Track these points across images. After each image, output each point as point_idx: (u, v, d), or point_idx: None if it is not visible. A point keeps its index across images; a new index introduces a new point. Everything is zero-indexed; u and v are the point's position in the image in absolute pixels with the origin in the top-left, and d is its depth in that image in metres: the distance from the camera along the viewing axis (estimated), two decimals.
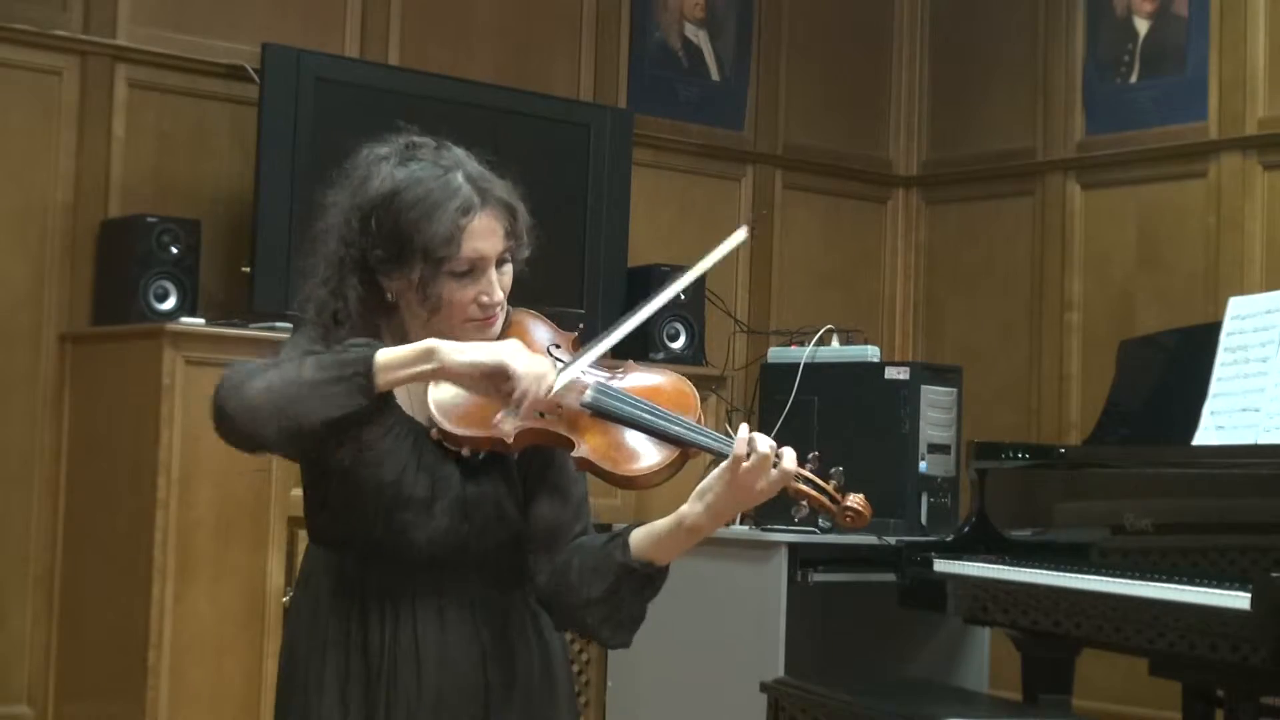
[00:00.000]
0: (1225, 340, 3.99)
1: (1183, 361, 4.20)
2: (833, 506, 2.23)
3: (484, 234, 2.28)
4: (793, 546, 4.68)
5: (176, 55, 5.33)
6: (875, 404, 4.84)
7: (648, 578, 2.26)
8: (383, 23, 5.74)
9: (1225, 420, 3.90)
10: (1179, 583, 3.58)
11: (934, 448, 4.88)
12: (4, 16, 5.06)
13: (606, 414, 2.25)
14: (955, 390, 5.00)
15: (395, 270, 2.29)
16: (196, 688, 4.75)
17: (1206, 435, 3.93)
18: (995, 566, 4.09)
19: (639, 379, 2.31)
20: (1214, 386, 3.96)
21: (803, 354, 5.14)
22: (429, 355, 2.17)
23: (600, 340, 2.30)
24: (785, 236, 6.68)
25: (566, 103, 5.94)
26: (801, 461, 2.24)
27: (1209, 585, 3.50)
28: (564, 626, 2.38)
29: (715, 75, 6.57)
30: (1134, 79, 6.22)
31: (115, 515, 4.87)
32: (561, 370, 2.24)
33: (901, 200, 7.00)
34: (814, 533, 4.80)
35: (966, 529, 4.33)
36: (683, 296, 5.33)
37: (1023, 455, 4.35)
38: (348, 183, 2.34)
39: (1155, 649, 3.69)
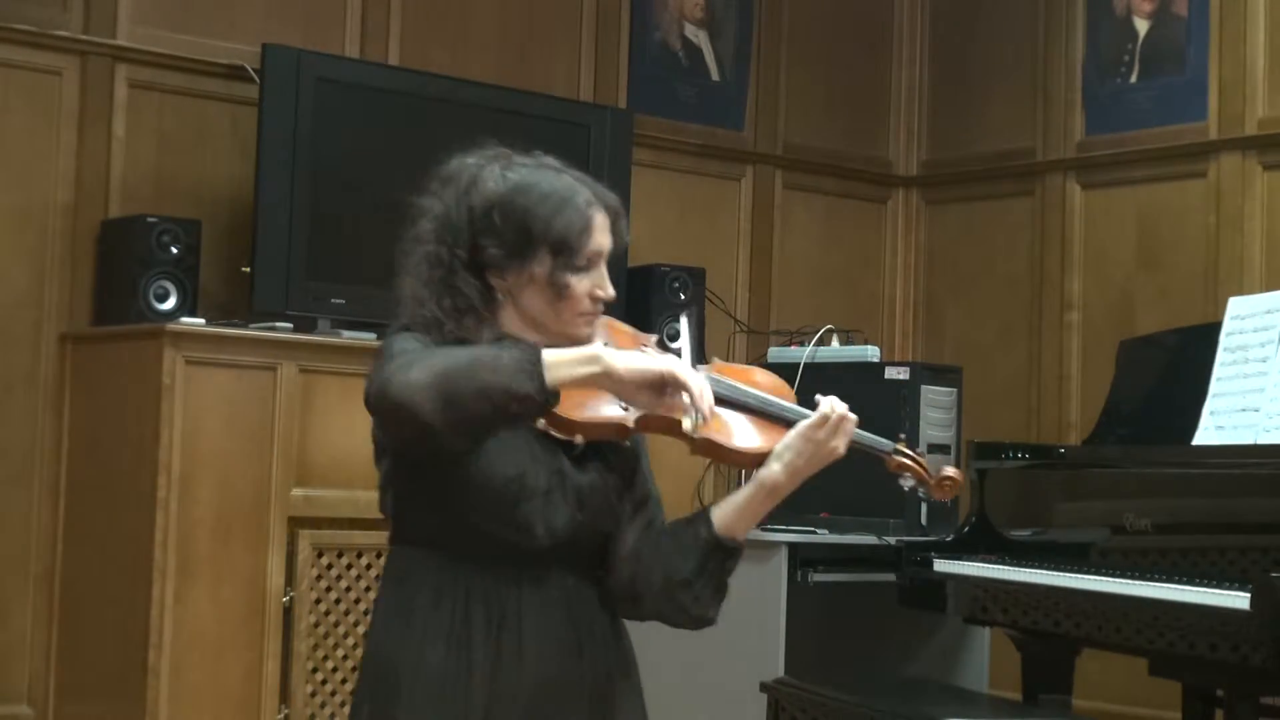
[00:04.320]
0: (1225, 340, 3.99)
1: (1183, 361, 4.20)
2: (930, 478, 2.50)
3: (603, 229, 2.42)
4: (793, 546, 4.68)
5: (176, 55, 5.33)
6: (875, 404, 4.82)
7: (732, 551, 2.41)
8: (383, 23, 5.74)
9: (1225, 420, 3.90)
10: (1179, 583, 3.58)
11: (934, 448, 4.88)
12: (4, 16, 5.06)
13: (721, 395, 2.39)
14: (955, 390, 5.00)
15: (513, 266, 2.38)
16: (196, 688, 4.75)
17: (1206, 435, 3.93)
18: (995, 566, 4.09)
19: (736, 371, 2.51)
20: (1214, 386, 3.96)
21: (803, 354, 5.14)
22: (594, 360, 2.25)
23: (691, 335, 2.52)
24: (785, 236, 6.68)
25: (566, 103, 5.94)
26: (894, 441, 2.51)
27: (1209, 585, 3.51)
28: (649, 613, 2.47)
29: (715, 75, 6.56)
30: (1134, 79, 6.22)
31: (115, 515, 4.87)
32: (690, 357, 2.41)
33: (901, 200, 7.00)
34: (813, 533, 4.80)
35: (966, 529, 4.33)
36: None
37: (1023, 455, 4.36)
38: (450, 187, 2.43)
39: (1155, 649, 3.69)
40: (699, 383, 2.30)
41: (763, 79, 6.66)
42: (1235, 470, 3.74)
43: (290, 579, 4.89)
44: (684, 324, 2.53)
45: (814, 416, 2.40)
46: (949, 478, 2.51)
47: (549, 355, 2.23)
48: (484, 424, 2.24)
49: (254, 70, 5.26)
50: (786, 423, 2.43)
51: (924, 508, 4.82)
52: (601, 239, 2.41)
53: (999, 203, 6.66)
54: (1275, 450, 3.71)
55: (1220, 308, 4.15)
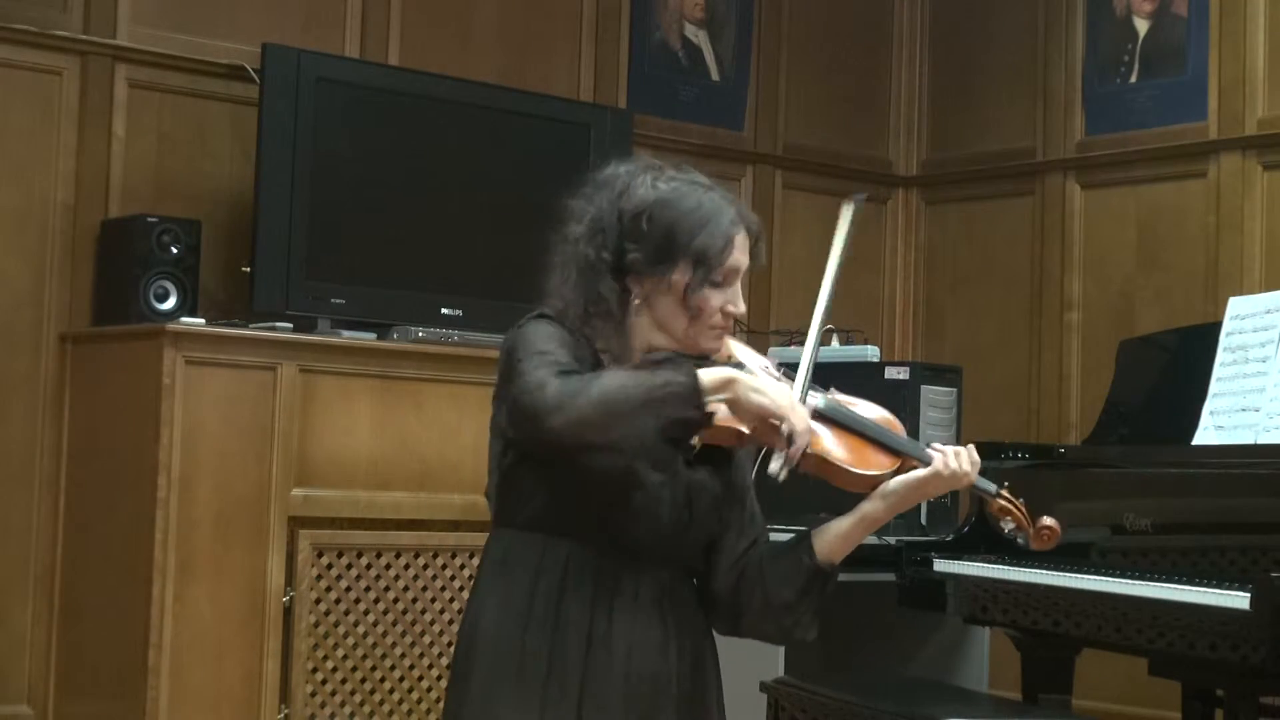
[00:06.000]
0: (1225, 340, 3.99)
1: (1182, 361, 4.20)
2: (1029, 526, 2.56)
3: (742, 248, 2.51)
4: None
5: (176, 55, 5.34)
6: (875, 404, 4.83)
7: (831, 576, 2.51)
8: (383, 23, 5.74)
9: (1225, 420, 3.90)
10: (1179, 583, 3.58)
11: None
12: (4, 16, 5.06)
13: (836, 419, 2.50)
14: (955, 390, 4.99)
15: (654, 272, 2.46)
16: (196, 688, 4.75)
17: (1206, 435, 3.93)
18: (995, 566, 4.09)
19: (851, 401, 2.57)
20: (1213, 386, 3.96)
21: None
22: (729, 385, 2.34)
23: (808, 356, 2.54)
24: (785, 236, 6.67)
25: (566, 103, 5.94)
26: (1000, 488, 2.57)
27: (1209, 585, 3.50)
28: (747, 631, 2.56)
29: (715, 75, 6.57)
30: (1134, 79, 6.22)
31: (115, 515, 4.87)
32: (802, 390, 2.47)
33: (901, 200, 7.00)
34: None
35: (966, 529, 4.32)
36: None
37: (1023, 455, 4.35)
38: (604, 192, 2.50)
39: (1155, 649, 3.68)
40: (803, 437, 2.36)
41: (763, 79, 6.66)
42: (1235, 470, 3.73)
43: (290, 579, 4.89)
44: (808, 349, 2.56)
45: (927, 471, 2.48)
46: (1048, 527, 2.56)
47: (701, 380, 2.31)
48: (643, 442, 2.32)
49: (254, 70, 5.26)
50: (896, 453, 2.50)
51: (923, 507, 4.81)
52: (740, 257, 2.50)
53: (999, 203, 6.67)
54: (1275, 450, 3.71)
55: (1220, 308, 4.14)
